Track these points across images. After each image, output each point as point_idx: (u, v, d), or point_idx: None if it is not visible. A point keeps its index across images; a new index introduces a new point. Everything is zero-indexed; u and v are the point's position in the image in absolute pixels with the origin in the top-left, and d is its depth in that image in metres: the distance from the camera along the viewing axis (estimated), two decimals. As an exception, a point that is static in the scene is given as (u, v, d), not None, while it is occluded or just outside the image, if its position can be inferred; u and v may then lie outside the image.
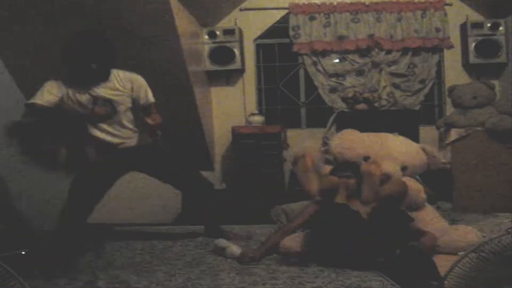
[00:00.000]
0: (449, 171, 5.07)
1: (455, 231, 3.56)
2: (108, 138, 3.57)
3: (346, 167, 3.71)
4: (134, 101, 3.60)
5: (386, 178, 3.79)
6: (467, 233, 3.52)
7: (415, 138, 4.97)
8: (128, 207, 5.04)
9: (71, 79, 3.47)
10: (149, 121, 3.57)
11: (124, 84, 3.56)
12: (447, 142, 5.19)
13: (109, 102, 3.52)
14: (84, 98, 3.47)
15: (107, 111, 3.49)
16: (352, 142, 4.16)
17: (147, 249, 3.94)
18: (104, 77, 3.51)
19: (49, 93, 3.41)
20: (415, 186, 3.86)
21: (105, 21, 4.17)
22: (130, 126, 3.65)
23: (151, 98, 3.64)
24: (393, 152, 3.95)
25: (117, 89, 3.54)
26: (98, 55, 3.44)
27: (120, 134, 3.61)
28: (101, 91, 3.49)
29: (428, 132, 5.65)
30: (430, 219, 3.83)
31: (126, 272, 3.36)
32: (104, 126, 3.56)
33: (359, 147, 4.08)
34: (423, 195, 3.87)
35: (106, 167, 3.61)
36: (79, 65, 3.41)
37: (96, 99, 3.48)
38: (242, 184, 5.49)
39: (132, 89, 3.58)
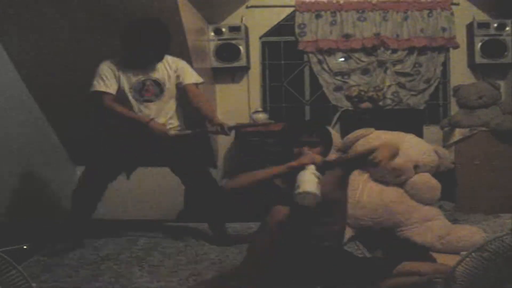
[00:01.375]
0: (453, 171, 5.07)
1: (460, 231, 3.56)
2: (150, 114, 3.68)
3: (311, 131, 2.81)
4: (179, 84, 3.76)
5: (398, 173, 3.83)
6: (473, 234, 3.53)
7: (419, 137, 4.97)
8: (131, 203, 5.04)
9: (127, 63, 3.64)
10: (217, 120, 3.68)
11: (170, 67, 3.74)
12: (451, 142, 5.19)
13: (157, 83, 3.69)
14: (134, 80, 3.64)
15: (163, 128, 3.62)
16: (364, 139, 4.19)
17: (150, 245, 3.96)
18: (157, 60, 3.71)
19: (110, 79, 3.59)
20: (431, 182, 3.88)
21: (112, 18, 4.17)
22: (172, 112, 3.79)
23: (196, 77, 3.81)
24: (408, 150, 3.97)
25: (165, 72, 3.72)
26: (161, 42, 3.63)
27: (161, 115, 3.71)
28: (151, 73, 3.67)
29: (432, 131, 5.64)
30: (432, 215, 3.84)
31: (129, 267, 3.38)
32: (150, 104, 3.69)
33: (372, 143, 4.10)
34: (438, 193, 3.89)
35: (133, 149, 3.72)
36: (142, 51, 3.59)
37: (145, 81, 3.65)
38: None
39: (176, 70, 3.75)
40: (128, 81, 3.62)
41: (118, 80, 3.62)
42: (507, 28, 5.57)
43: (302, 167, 2.59)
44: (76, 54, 4.47)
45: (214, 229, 4.03)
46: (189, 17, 4.75)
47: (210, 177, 4.02)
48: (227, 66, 5.80)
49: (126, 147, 3.68)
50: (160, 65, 3.72)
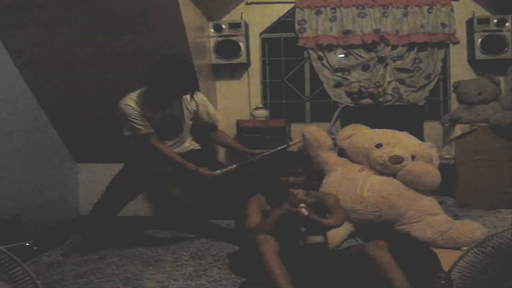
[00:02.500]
0: (453, 167, 5.08)
1: (461, 226, 3.58)
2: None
3: (294, 162, 3.13)
4: (196, 119, 3.85)
5: (398, 160, 3.88)
6: (474, 229, 3.54)
7: (419, 133, 4.99)
8: (135, 200, 5.05)
9: (147, 100, 3.59)
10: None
11: (189, 102, 3.77)
12: (451, 137, 5.20)
13: (177, 119, 3.73)
14: (156, 119, 3.62)
15: (209, 173, 3.61)
16: (363, 133, 4.26)
17: (153, 240, 3.98)
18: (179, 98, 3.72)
19: (143, 119, 3.55)
20: (429, 169, 3.91)
21: (110, 13, 4.18)
22: (189, 142, 3.90)
23: (215, 116, 3.95)
24: (405, 140, 4.06)
25: (183, 108, 3.75)
26: (192, 83, 3.62)
27: (179, 150, 3.78)
28: (170, 110, 3.68)
29: (432, 127, 5.65)
30: (432, 209, 3.85)
31: (132, 262, 3.40)
32: (169, 142, 3.74)
33: (371, 136, 4.17)
34: (437, 180, 3.91)
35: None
36: (178, 93, 3.62)
37: (166, 117, 3.66)
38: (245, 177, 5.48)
39: (197, 107, 3.80)
40: (152, 120, 3.60)
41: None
42: (507, 24, 5.56)
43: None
44: (77, 52, 4.47)
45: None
46: (189, 14, 4.75)
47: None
48: (227, 63, 5.80)
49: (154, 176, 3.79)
50: (177, 101, 3.72)
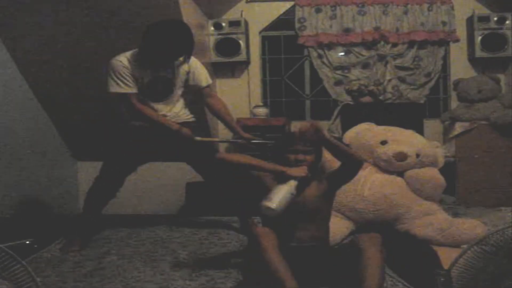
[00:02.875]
0: (453, 165, 5.08)
1: (462, 224, 3.57)
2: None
3: (306, 139, 2.82)
4: (187, 82, 3.77)
5: (402, 157, 3.88)
6: (474, 227, 3.53)
7: (420, 131, 4.98)
8: (133, 198, 5.05)
9: (140, 60, 3.56)
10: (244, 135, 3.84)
11: (183, 67, 3.71)
12: (451, 135, 5.20)
13: (167, 81, 3.66)
14: (147, 79, 3.58)
15: (190, 134, 3.64)
16: (369, 130, 4.25)
17: (152, 239, 3.98)
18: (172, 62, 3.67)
19: (130, 78, 3.51)
20: (436, 178, 3.91)
21: (110, 11, 4.18)
22: (181, 108, 3.80)
23: (209, 79, 3.83)
24: (410, 138, 4.06)
25: (178, 71, 3.69)
26: (189, 46, 3.56)
27: (171, 114, 3.71)
28: (163, 72, 3.63)
29: (433, 125, 5.65)
30: (432, 209, 3.85)
31: (132, 262, 3.39)
32: (158, 105, 3.68)
33: (376, 133, 4.16)
34: (440, 190, 3.92)
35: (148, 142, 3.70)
36: (170, 54, 3.55)
37: (157, 80, 3.60)
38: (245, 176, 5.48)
39: (189, 70, 3.73)
40: (141, 80, 3.56)
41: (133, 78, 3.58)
42: (507, 22, 5.56)
43: (288, 177, 2.72)
44: (78, 51, 4.48)
45: (239, 219, 4.12)
46: (189, 12, 4.75)
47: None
48: (227, 61, 5.80)
49: (144, 144, 3.68)
50: (170, 64, 3.68)
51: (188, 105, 3.89)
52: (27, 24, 4.21)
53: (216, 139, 3.69)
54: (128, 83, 3.50)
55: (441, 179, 3.92)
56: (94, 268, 3.28)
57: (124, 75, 3.49)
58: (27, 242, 3.61)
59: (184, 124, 3.72)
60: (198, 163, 3.91)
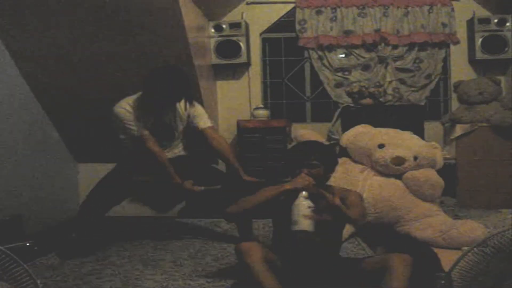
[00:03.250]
0: (454, 167, 5.08)
1: (462, 226, 3.57)
2: None
3: (308, 152, 2.85)
4: (189, 125, 3.83)
5: (400, 161, 3.88)
6: (475, 229, 3.53)
7: (420, 133, 4.98)
8: (133, 199, 5.05)
9: (142, 105, 3.61)
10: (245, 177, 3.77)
11: (183, 111, 3.77)
12: (452, 137, 5.20)
13: (169, 127, 3.76)
14: (149, 124, 3.64)
15: (191, 187, 3.66)
16: (366, 133, 4.26)
17: (152, 241, 3.98)
18: (173, 105, 3.74)
19: (136, 121, 3.58)
20: (434, 179, 3.91)
21: (112, 15, 4.18)
22: (181, 147, 3.89)
23: (210, 121, 3.88)
24: (407, 141, 4.06)
25: (177, 114, 3.76)
26: (186, 92, 3.64)
27: (172, 155, 3.79)
28: (164, 116, 3.71)
29: (433, 127, 5.65)
30: (432, 211, 3.86)
31: (132, 263, 3.39)
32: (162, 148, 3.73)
33: (374, 136, 4.17)
34: (439, 191, 3.92)
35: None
36: (167, 99, 3.61)
37: (158, 124, 3.67)
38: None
39: (189, 114, 3.80)
40: (144, 125, 3.61)
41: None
42: (508, 24, 5.56)
43: (296, 191, 2.68)
44: (78, 52, 4.48)
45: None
46: (190, 14, 4.75)
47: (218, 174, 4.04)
48: (227, 63, 5.80)
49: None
50: (171, 109, 3.74)
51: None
52: (28, 26, 4.21)
53: (217, 187, 3.68)
54: (138, 125, 3.59)
55: (438, 180, 3.92)
56: (94, 268, 3.28)
57: (131, 119, 3.57)
58: (27, 244, 3.62)
59: (178, 158, 3.81)
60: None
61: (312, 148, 2.88)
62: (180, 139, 3.87)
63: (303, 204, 2.61)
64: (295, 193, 2.67)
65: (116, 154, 3.88)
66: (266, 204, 2.79)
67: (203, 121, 3.83)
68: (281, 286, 2.45)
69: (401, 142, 4.09)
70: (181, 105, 3.74)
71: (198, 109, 3.84)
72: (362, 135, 4.29)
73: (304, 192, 2.66)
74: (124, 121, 3.56)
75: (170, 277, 3.08)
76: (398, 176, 3.99)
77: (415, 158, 3.97)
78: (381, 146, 4.06)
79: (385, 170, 3.98)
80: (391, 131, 4.27)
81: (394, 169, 3.95)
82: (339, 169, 4.10)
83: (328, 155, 2.90)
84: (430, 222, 3.72)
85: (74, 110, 4.90)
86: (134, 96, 3.64)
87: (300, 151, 2.90)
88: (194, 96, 3.83)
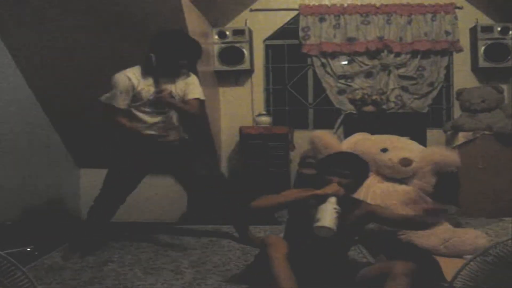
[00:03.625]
0: (456, 175, 5.07)
1: (464, 235, 3.56)
2: (153, 132, 3.67)
3: (344, 164, 2.86)
4: (185, 97, 3.74)
5: (407, 162, 3.89)
6: (477, 237, 3.52)
7: (422, 141, 4.98)
8: (135, 205, 5.05)
9: (149, 72, 3.60)
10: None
11: (181, 82, 3.72)
12: (454, 145, 5.18)
13: (170, 93, 3.64)
14: (152, 91, 3.59)
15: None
16: (366, 139, 4.26)
17: (154, 247, 3.97)
18: (184, 73, 3.72)
19: (125, 93, 3.56)
20: (450, 153, 3.99)
21: (116, 20, 4.18)
22: (176, 123, 3.78)
23: (198, 94, 3.76)
24: (410, 145, 4.13)
25: (179, 86, 3.71)
26: (194, 55, 3.65)
27: (165, 127, 3.72)
28: (169, 85, 3.65)
29: (435, 135, 5.65)
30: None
31: (132, 270, 3.38)
32: (160, 116, 3.69)
33: (375, 141, 4.17)
34: (458, 159, 3.93)
35: (141, 159, 3.71)
36: (175, 62, 3.59)
37: (161, 93, 3.58)
38: (248, 185, 5.47)
39: (186, 84, 3.73)
40: (146, 93, 3.59)
41: (135, 91, 3.59)
42: (511, 32, 5.57)
43: (325, 196, 2.69)
44: (81, 56, 4.49)
45: (237, 229, 4.11)
46: (194, 20, 4.76)
47: (219, 180, 4.02)
48: (231, 69, 5.81)
49: (137, 156, 3.71)
50: (179, 79, 3.71)
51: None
52: (30, 29, 4.22)
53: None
54: (125, 99, 3.57)
55: (450, 152, 4.02)
56: (95, 276, 3.27)
57: (121, 89, 3.54)
58: (28, 249, 3.62)
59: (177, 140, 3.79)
60: (187, 176, 3.93)
61: (347, 159, 2.93)
62: (176, 116, 3.76)
63: (330, 206, 2.63)
64: (323, 198, 2.68)
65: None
66: (292, 205, 2.85)
67: (193, 92, 3.74)
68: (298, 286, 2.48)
69: (403, 146, 4.11)
70: (187, 76, 3.74)
71: (193, 80, 3.79)
72: (363, 141, 4.29)
73: (333, 198, 2.66)
74: (117, 88, 3.54)
75: (171, 286, 3.06)
76: (401, 182, 3.99)
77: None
78: (384, 150, 4.06)
79: (393, 172, 3.98)
80: (392, 137, 4.28)
81: (402, 170, 3.95)
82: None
83: (361, 168, 2.91)
84: (432, 229, 3.70)
85: (76, 115, 4.90)
86: (137, 67, 3.63)
87: (335, 159, 2.92)
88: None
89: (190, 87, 3.73)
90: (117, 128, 3.65)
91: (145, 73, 3.59)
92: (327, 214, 2.60)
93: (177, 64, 3.60)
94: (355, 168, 2.83)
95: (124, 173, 3.73)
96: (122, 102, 3.56)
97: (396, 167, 3.96)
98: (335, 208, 2.62)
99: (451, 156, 3.96)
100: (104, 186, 3.78)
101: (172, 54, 3.53)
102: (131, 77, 3.55)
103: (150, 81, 3.58)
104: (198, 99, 3.75)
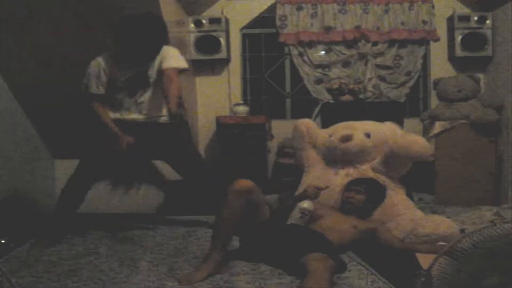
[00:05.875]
0: (433, 164, 5.09)
1: (426, 222, 3.44)
2: (135, 116, 3.67)
3: (360, 182, 3.60)
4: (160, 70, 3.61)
5: (347, 138, 3.92)
6: (438, 224, 3.37)
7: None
8: (111, 195, 5.00)
9: (120, 58, 3.57)
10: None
11: (160, 56, 3.62)
12: (431, 134, 5.21)
13: (146, 76, 3.61)
14: (127, 76, 3.58)
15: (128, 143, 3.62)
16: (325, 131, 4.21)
17: (130, 238, 3.92)
18: (153, 55, 3.60)
19: (101, 79, 3.58)
20: (420, 140, 3.80)
21: (89, 9, 4.12)
22: (156, 105, 3.71)
23: (177, 62, 3.60)
24: (358, 125, 4.06)
25: (155, 63, 3.62)
26: (158, 38, 3.55)
27: (147, 112, 3.69)
28: (143, 67, 3.60)
29: (412, 124, 5.66)
30: (402, 209, 3.74)
31: (108, 262, 3.34)
32: (139, 99, 3.67)
33: (336, 129, 4.10)
34: (428, 148, 3.82)
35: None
36: (138, 48, 3.50)
37: (136, 76, 3.58)
38: (225, 174, 5.44)
39: (160, 61, 3.61)
40: (120, 78, 3.55)
41: (110, 77, 3.56)
42: (488, 21, 5.59)
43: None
44: (56, 48, 4.40)
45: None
46: (169, 9, 4.71)
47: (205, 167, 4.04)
48: (207, 58, 5.77)
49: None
50: (156, 60, 3.61)
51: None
52: (5, 20, 4.14)
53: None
54: (99, 84, 3.59)
55: (420, 139, 3.81)
56: (70, 268, 3.21)
57: (96, 75, 3.56)
58: (2, 241, 3.55)
59: (156, 124, 3.73)
60: (174, 160, 3.90)
61: (363, 179, 3.60)
62: (156, 88, 3.64)
63: (297, 208, 3.27)
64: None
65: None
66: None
67: (169, 62, 3.55)
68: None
69: (351, 126, 4.06)
70: (162, 51, 3.61)
71: (167, 51, 3.61)
72: (320, 134, 4.21)
73: (304, 202, 3.27)
74: (89, 73, 3.58)
75: (147, 277, 3.02)
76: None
77: (367, 135, 3.92)
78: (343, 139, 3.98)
79: (336, 151, 3.95)
80: (354, 123, 4.16)
81: (343, 146, 3.89)
82: (316, 169, 4.08)
83: (376, 191, 3.57)
84: (398, 221, 3.61)
85: (52, 106, 4.81)
86: (110, 52, 3.62)
87: (354, 181, 3.63)
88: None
89: (165, 60, 3.56)
90: (94, 114, 3.64)
91: (117, 58, 3.55)
92: (293, 214, 3.26)
93: (141, 50, 3.52)
94: (369, 189, 3.46)
95: (101, 156, 3.71)
96: (95, 87, 3.56)
97: (336, 144, 3.91)
98: (301, 212, 3.23)
99: (405, 140, 3.77)
100: (77, 168, 3.77)
101: (133, 40, 3.45)
102: (101, 62, 3.54)
103: (123, 64, 3.55)
104: (175, 68, 3.55)
